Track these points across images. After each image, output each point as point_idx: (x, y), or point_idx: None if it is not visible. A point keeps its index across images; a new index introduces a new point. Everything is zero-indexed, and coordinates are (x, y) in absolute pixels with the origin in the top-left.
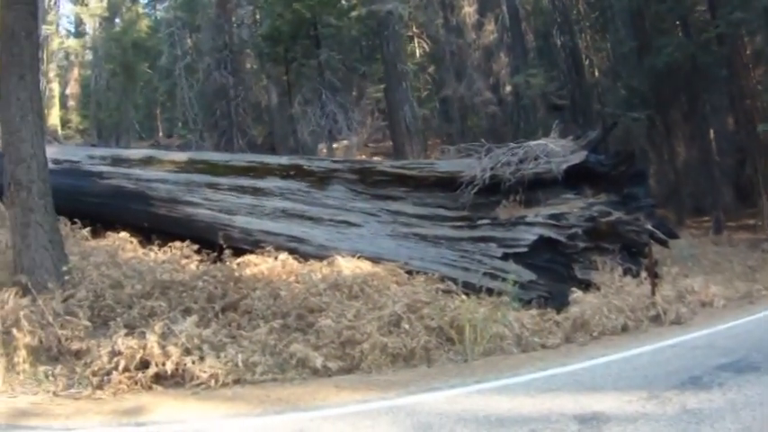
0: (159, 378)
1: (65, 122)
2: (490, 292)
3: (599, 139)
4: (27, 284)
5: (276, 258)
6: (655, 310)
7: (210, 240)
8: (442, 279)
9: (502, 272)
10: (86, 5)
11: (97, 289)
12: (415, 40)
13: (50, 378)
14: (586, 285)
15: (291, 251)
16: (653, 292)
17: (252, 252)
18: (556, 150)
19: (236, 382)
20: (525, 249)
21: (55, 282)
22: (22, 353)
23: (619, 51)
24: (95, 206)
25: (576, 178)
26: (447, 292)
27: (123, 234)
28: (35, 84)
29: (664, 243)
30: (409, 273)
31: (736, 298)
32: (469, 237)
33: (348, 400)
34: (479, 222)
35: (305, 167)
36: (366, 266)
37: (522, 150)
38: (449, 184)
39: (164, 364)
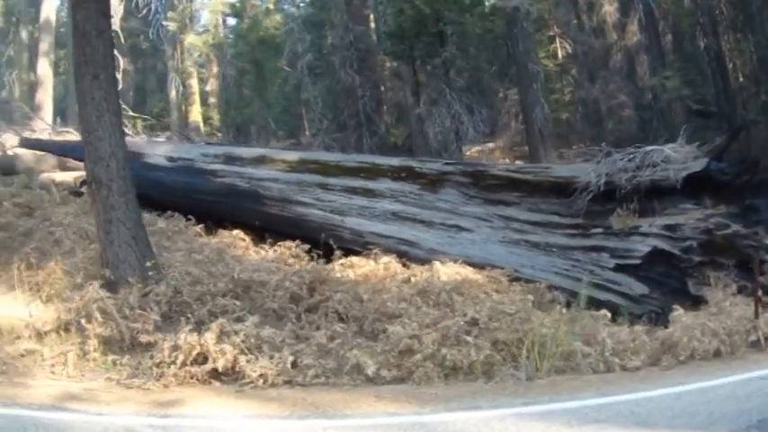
0: (215, 374)
1: (206, 119)
2: (600, 304)
3: (723, 145)
4: (110, 278)
5: (377, 261)
6: (756, 334)
7: (321, 241)
8: (550, 288)
9: (613, 284)
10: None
11: (178, 285)
12: (557, 41)
13: (117, 367)
14: (698, 302)
15: (402, 254)
16: (756, 315)
17: (359, 253)
18: (675, 157)
19: (287, 383)
20: (638, 261)
21: (138, 276)
22: (94, 342)
23: (761, 53)
24: (209, 204)
25: (695, 187)
26: (551, 302)
27: (236, 232)
28: (110, 83)
29: None
30: (516, 280)
31: None
32: (582, 246)
33: (380, 411)
34: (593, 231)
35: (416, 169)
36: (466, 272)
37: (639, 156)
38: (563, 189)
39: (215, 361)
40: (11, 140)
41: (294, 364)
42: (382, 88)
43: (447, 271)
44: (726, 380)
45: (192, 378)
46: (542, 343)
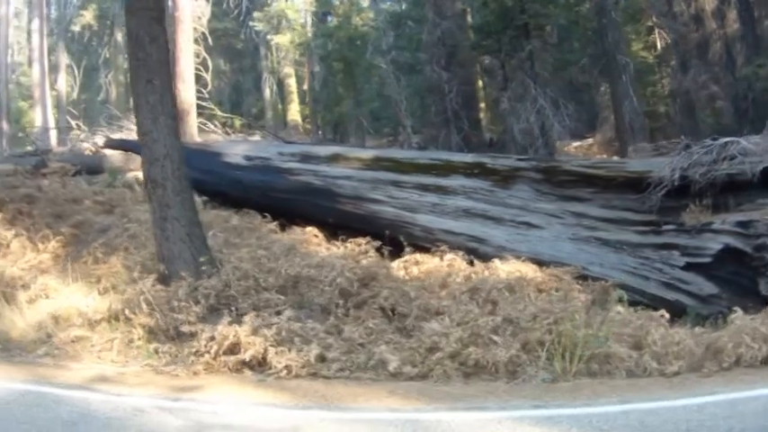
0: (246, 364)
1: (304, 117)
2: (668, 304)
3: None
4: (165, 273)
5: (442, 258)
6: None
7: (393, 237)
8: (616, 287)
9: (682, 283)
10: (292, 0)
11: (228, 280)
12: (656, 31)
13: (158, 354)
14: None
15: (471, 251)
16: None
17: (428, 250)
18: (753, 149)
19: (312, 375)
20: (709, 260)
21: (191, 271)
22: (139, 331)
23: None
24: (285, 201)
25: None
26: (618, 301)
27: (309, 229)
28: (164, 87)
29: None
30: (583, 279)
31: None
32: (652, 243)
33: (384, 406)
34: (664, 228)
35: (488, 166)
36: (527, 270)
37: (715, 149)
38: (637, 185)
39: (245, 351)
40: (100, 141)
41: (322, 358)
42: (481, 83)
43: (507, 269)
44: (763, 392)
45: (224, 367)
46: (574, 344)
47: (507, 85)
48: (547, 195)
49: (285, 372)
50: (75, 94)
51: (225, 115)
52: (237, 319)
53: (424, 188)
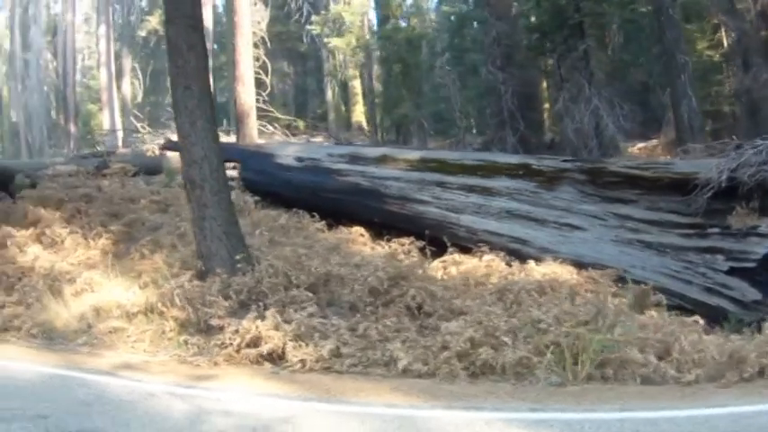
0: (266, 357)
1: (368, 119)
2: (710, 309)
3: None
4: (202, 269)
5: (480, 259)
6: None
7: (436, 237)
8: (656, 291)
9: (725, 288)
10: (348, 4)
11: (261, 277)
12: (722, 29)
13: (187, 345)
14: None
15: (513, 252)
16: None
17: (470, 250)
18: None
19: (326, 369)
20: (754, 264)
21: (227, 268)
22: (171, 324)
23: None
24: (333, 201)
25: None
26: (657, 305)
27: (356, 228)
28: (202, 93)
29: None
30: (623, 281)
31: None
32: (696, 246)
33: (383, 401)
34: (709, 231)
35: (533, 167)
36: (563, 272)
37: (765, 149)
38: (683, 186)
39: (264, 345)
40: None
41: (337, 353)
42: (545, 84)
43: (543, 270)
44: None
45: (245, 359)
46: (587, 348)
47: (563, 85)
48: (591, 197)
49: (300, 365)
50: (139, 97)
51: (284, 117)
52: (263, 315)
53: (470, 189)
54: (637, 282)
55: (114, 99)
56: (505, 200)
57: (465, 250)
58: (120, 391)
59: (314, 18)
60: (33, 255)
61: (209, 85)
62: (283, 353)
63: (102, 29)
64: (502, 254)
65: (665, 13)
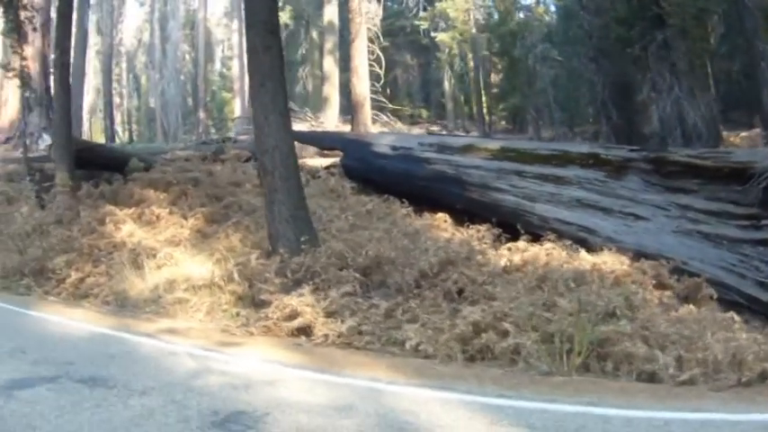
0: (299, 330)
1: (482, 109)
2: (763, 305)
3: None
4: (269, 249)
5: (542, 246)
6: None
7: (513, 225)
8: (711, 284)
9: None
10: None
11: (319, 258)
12: None
13: (237, 317)
14: None
15: (581, 241)
16: None
17: (540, 238)
18: None
19: (346, 344)
20: None
21: (291, 249)
22: (227, 297)
23: None
24: (421, 188)
25: None
26: (711, 298)
27: (440, 215)
28: (276, 89)
29: None
30: (680, 273)
31: None
32: (751, 239)
33: (370, 376)
34: (763, 222)
35: (602, 156)
36: (614, 262)
37: None
38: (742, 175)
39: (298, 318)
40: None
41: (359, 330)
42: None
43: (594, 260)
44: (754, 417)
45: (281, 332)
46: (581, 340)
47: (645, 75)
48: (655, 186)
49: (323, 339)
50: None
51: (397, 107)
52: (301, 294)
53: (544, 178)
54: (693, 274)
55: (245, 88)
56: (576, 189)
57: (537, 237)
58: (148, 349)
59: (422, 14)
60: (128, 231)
61: (284, 83)
62: (312, 327)
63: (236, 23)
64: (569, 242)
65: (741, 2)
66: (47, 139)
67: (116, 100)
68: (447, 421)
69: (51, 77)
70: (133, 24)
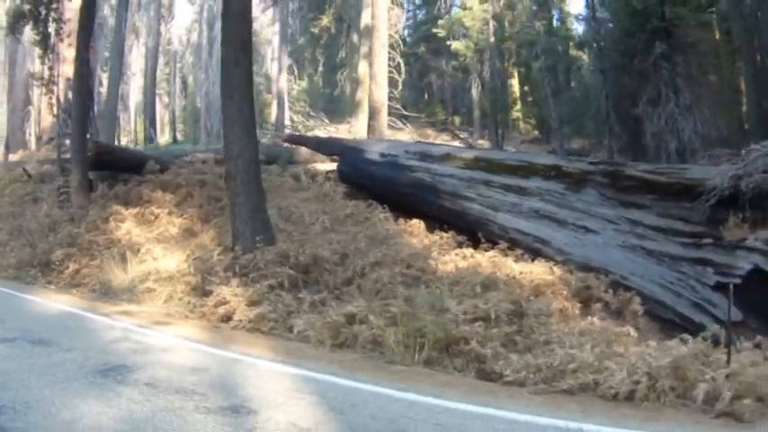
0: (223, 316)
1: (525, 118)
2: (695, 326)
3: None
4: (229, 247)
5: (484, 255)
6: (710, 385)
7: (476, 233)
8: (650, 300)
9: (709, 304)
10: (470, 9)
11: (264, 256)
12: None
13: (188, 304)
14: None
15: (536, 252)
16: (728, 356)
17: (496, 245)
18: None
19: (256, 329)
20: (739, 280)
21: (248, 246)
22: (183, 287)
23: None
24: (404, 195)
25: None
26: (636, 314)
27: (415, 221)
28: (242, 101)
29: None
30: (617, 287)
31: None
32: (691, 257)
33: (244, 351)
34: (703, 241)
35: (564, 169)
36: (541, 272)
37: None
38: (692, 192)
39: (223, 306)
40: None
41: (266, 317)
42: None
43: (521, 269)
44: (533, 419)
45: (212, 316)
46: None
47: (641, 88)
48: (610, 200)
49: (239, 324)
50: (295, 91)
51: (413, 114)
52: (243, 284)
53: (508, 188)
54: (631, 289)
55: (284, 91)
56: (536, 200)
57: (496, 245)
58: (96, 324)
59: (440, 22)
60: (126, 229)
61: (251, 96)
62: (234, 313)
63: (277, 26)
64: (521, 252)
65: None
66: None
67: (165, 100)
68: (265, 384)
69: (89, 79)
70: (182, 24)
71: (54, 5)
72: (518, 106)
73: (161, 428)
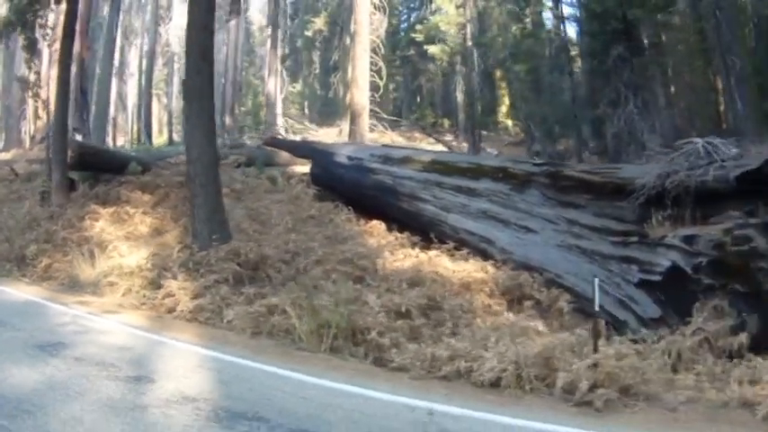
0: (169, 307)
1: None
2: (620, 324)
3: None
4: (188, 245)
5: (418, 255)
6: (573, 375)
7: (432, 233)
8: (581, 297)
9: (632, 302)
10: (445, 14)
11: (221, 254)
12: None
13: (143, 297)
14: None
15: (482, 252)
16: (595, 347)
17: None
18: (736, 153)
19: (195, 319)
20: (659, 278)
21: (204, 244)
22: (140, 281)
23: None
24: (368, 197)
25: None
26: (561, 311)
27: (375, 222)
28: (202, 108)
29: None
30: (549, 286)
31: None
32: (619, 255)
33: (171, 336)
34: (631, 240)
35: (510, 170)
36: (475, 270)
37: (693, 153)
38: (624, 191)
39: (169, 298)
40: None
41: (203, 308)
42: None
43: (455, 268)
44: (401, 399)
45: (161, 307)
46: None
47: (602, 90)
48: (551, 200)
49: (180, 314)
50: (284, 94)
51: (391, 118)
52: (192, 279)
53: (459, 190)
54: (564, 287)
55: (278, 93)
56: (484, 201)
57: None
58: (52, 311)
59: (417, 27)
60: (99, 228)
61: (211, 102)
62: (177, 305)
63: (269, 30)
64: (469, 251)
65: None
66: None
67: (163, 100)
68: (175, 362)
69: (84, 80)
70: (180, 25)
71: (40, 12)
72: (506, 109)
73: (70, 389)
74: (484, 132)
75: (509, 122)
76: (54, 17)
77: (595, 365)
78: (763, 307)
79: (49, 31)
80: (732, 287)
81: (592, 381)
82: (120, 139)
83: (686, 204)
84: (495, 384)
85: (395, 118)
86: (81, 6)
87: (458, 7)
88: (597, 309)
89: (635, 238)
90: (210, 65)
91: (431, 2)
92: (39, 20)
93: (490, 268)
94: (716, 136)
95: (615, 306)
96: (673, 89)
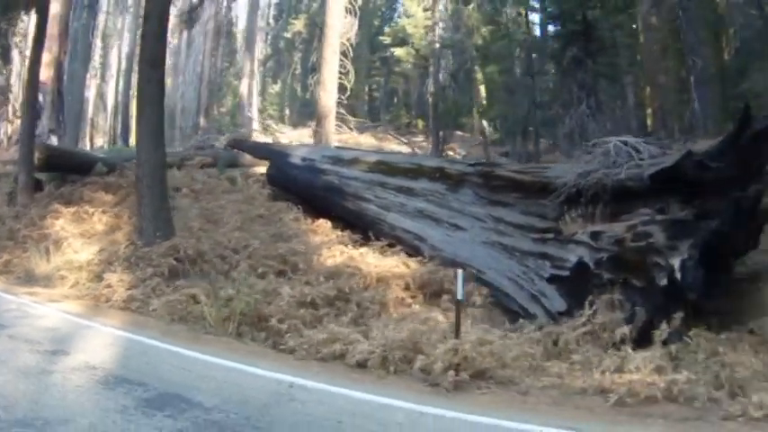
0: (109, 298)
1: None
2: (532, 317)
3: (737, 134)
4: (133, 241)
5: (349, 252)
6: (430, 358)
7: (371, 232)
8: (499, 292)
9: (542, 296)
10: (411, 17)
11: (161, 250)
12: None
13: (87, 288)
14: None
15: (416, 249)
16: (457, 332)
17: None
18: (653, 151)
19: (127, 307)
20: (568, 273)
21: (149, 241)
22: (86, 275)
23: None
24: (319, 198)
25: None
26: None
27: (322, 221)
28: (151, 114)
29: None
30: (472, 281)
31: None
32: (536, 252)
33: (102, 323)
34: (548, 236)
35: (446, 170)
36: (395, 264)
37: (610, 152)
38: (549, 190)
39: (107, 289)
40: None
41: (136, 299)
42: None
43: (375, 262)
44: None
45: (102, 298)
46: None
47: (557, 91)
48: (482, 199)
49: (115, 303)
50: (259, 95)
51: (357, 119)
52: (131, 272)
53: (399, 190)
54: (486, 282)
55: (254, 95)
56: (421, 200)
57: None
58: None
59: (385, 29)
60: (59, 226)
61: (161, 109)
62: (113, 295)
63: (249, 33)
64: (401, 248)
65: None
66: (54, 141)
67: None
68: (92, 341)
69: (62, 82)
70: None
71: (13, 21)
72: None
73: None
74: (459, 133)
75: (484, 123)
76: (25, 25)
77: (455, 350)
78: (653, 300)
79: (20, 39)
80: (629, 281)
81: (447, 363)
82: (99, 140)
83: (604, 202)
84: (362, 365)
85: (363, 120)
86: (61, 9)
87: (425, 10)
88: (459, 297)
89: (551, 235)
90: (162, 73)
91: (401, 5)
92: (12, 28)
93: (412, 264)
94: (682, 135)
95: (527, 300)
96: (648, 90)
